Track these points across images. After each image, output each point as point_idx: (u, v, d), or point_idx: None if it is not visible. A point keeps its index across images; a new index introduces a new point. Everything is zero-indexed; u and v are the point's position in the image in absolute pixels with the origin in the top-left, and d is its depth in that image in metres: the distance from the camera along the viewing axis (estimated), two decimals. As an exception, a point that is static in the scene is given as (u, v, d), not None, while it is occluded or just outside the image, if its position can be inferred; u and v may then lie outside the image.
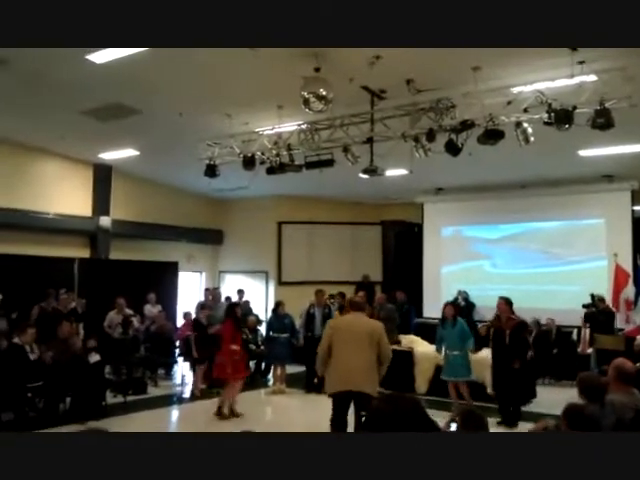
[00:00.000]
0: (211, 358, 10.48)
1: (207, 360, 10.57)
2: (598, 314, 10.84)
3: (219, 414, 8.46)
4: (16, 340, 7.94)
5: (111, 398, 9.04)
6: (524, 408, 8.98)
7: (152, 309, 11.94)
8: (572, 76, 6.42)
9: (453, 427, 3.60)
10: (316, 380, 9.44)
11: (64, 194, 12.37)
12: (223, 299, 12.39)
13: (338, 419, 6.02)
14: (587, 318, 11.03)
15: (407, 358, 10.00)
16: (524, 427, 7.75)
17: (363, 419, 1.76)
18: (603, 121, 6.55)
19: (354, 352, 5.96)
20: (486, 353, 9.97)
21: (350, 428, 6.04)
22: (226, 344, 8.66)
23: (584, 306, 11.07)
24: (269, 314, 13.66)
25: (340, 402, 6.01)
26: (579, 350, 11.01)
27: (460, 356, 8.49)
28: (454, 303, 9.12)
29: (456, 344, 8.52)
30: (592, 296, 11.01)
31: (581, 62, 6.27)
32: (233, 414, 8.55)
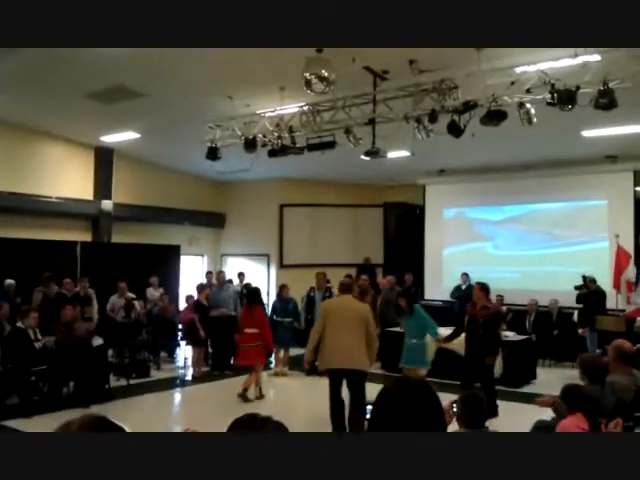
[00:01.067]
0: (213, 340, 10.58)
1: (207, 342, 10.65)
2: (590, 295, 10.84)
3: (244, 397, 8.47)
4: (19, 324, 7.97)
5: (114, 381, 9.09)
6: (524, 389, 9.04)
7: (154, 292, 11.96)
8: (576, 55, 6.36)
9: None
10: (317, 363, 9.52)
11: (66, 177, 12.34)
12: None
13: (335, 392, 6.65)
14: (579, 299, 11.03)
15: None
16: (520, 408, 7.80)
17: (371, 406, 1.76)
18: (606, 101, 6.51)
19: (345, 333, 6.50)
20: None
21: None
22: (268, 329, 8.89)
23: (576, 287, 11.05)
24: (271, 297, 13.74)
25: (334, 377, 6.65)
26: (580, 332, 11.03)
27: (418, 344, 8.22)
28: (405, 294, 8.90)
29: (414, 332, 8.27)
30: (583, 277, 10.99)
31: (585, 41, 6.20)
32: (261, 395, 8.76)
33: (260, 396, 8.71)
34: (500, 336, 8.10)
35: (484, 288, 7.90)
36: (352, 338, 6.47)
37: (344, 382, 6.63)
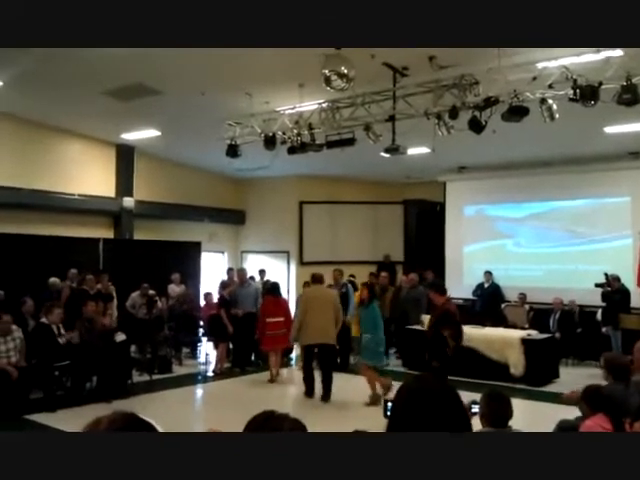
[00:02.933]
0: (234, 337, 10.64)
1: (229, 339, 10.73)
2: (613, 293, 10.69)
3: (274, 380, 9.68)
4: (43, 320, 8.07)
5: (137, 377, 9.17)
6: (546, 388, 8.96)
7: (176, 289, 12.05)
8: (598, 51, 6.28)
9: (475, 408, 3.58)
10: (339, 360, 9.71)
11: (88, 175, 12.47)
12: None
13: (308, 364, 8.59)
14: (604, 298, 10.87)
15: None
16: (543, 407, 7.74)
17: (389, 403, 1.78)
18: (629, 97, 6.43)
19: (322, 315, 8.35)
20: (511, 333, 9.97)
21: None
22: (291, 317, 9.85)
23: (597, 285, 10.85)
24: (290, 294, 13.80)
25: (309, 351, 8.55)
26: (603, 330, 10.89)
27: (370, 339, 8.16)
28: (368, 284, 8.99)
29: (367, 327, 8.25)
30: (606, 275, 10.81)
31: (608, 36, 6.12)
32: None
33: (277, 375, 9.76)
34: (445, 338, 6.96)
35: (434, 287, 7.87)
36: (327, 319, 8.37)
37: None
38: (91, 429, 1.29)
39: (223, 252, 16.07)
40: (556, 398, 8.13)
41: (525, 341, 9.41)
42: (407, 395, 1.66)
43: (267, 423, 1.49)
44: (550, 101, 7.08)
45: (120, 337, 8.66)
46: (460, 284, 13.55)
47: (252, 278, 12.52)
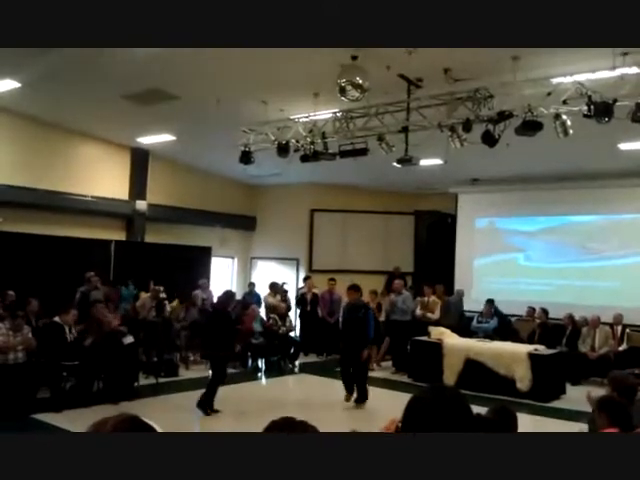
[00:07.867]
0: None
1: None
2: None
3: None
4: (56, 319, 8.13)
5: (143, 379, 9.20)
6: (553, 404, 8.90)
7: (202, 295, 12.17)
8: (614, 68, 6.28)
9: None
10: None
11: (102, 177, 12.56)
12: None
13: None
14: None
15: (436, 350, 9.96)
16: (548, 423, 7.68)
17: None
18: (644, 114, 6.42)
19: None
20: (518, 347, 9.91)
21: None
22: None
23: None
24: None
25: None
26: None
27: None
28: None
29: None
30: None
31: (624, 53, 6.12)
32: None
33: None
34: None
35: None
36: None
37: None
38: (96, 429, 1.32)
39: (233, 257, 16.11)
40: (561, 414, 8.12)
41: (532, 356, 9.35)
42: (420, 406, 1.67)
43: (286, 429, 1.50)
44: (564, 117, 7.08)
45: (128, 339, 8.70)
46: (469, 297, 13.50)
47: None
